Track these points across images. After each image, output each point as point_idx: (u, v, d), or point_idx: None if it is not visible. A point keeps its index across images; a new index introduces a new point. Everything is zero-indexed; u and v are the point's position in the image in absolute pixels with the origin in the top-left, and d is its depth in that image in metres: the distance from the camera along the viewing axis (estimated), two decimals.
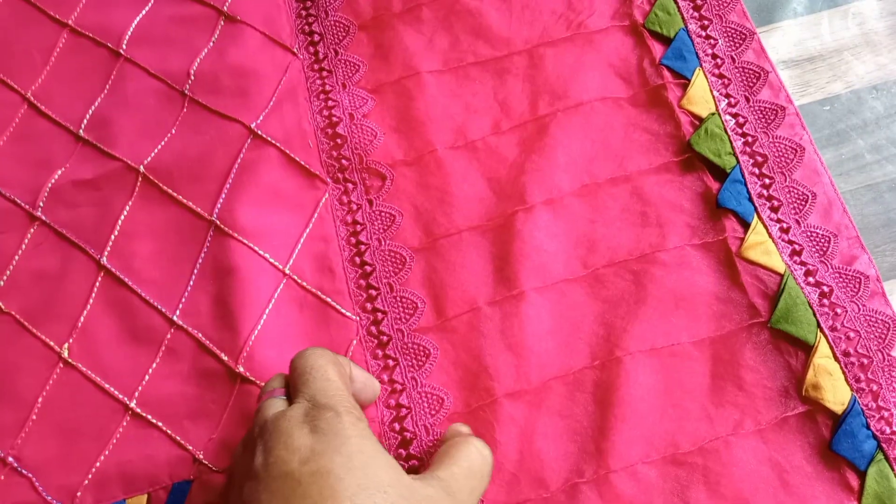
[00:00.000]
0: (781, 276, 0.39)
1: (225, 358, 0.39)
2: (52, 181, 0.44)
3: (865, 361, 0.37)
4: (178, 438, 0.39)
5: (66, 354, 0.41)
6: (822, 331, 0.38)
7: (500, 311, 0.40)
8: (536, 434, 0.38)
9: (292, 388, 0.33)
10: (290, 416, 0.30)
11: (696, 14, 0.46)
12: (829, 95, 0.45)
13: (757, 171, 0.42)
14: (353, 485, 0.28)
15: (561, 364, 0.39)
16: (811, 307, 0.38)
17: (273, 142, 0.44)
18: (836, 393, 0.36)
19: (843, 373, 0.37)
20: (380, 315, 0.41)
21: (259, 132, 0.44)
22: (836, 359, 0.37)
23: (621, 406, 0.38)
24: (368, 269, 0.42)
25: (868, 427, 0.36)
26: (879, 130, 0.44)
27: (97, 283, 0.42)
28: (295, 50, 0.47)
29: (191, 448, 0.38)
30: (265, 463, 0.29)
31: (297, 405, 0.31)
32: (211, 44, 0.47)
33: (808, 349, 0.38)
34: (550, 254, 0.41)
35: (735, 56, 0.45)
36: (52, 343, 0.41)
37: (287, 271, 0.41)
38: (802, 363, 0.38)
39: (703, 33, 0.46)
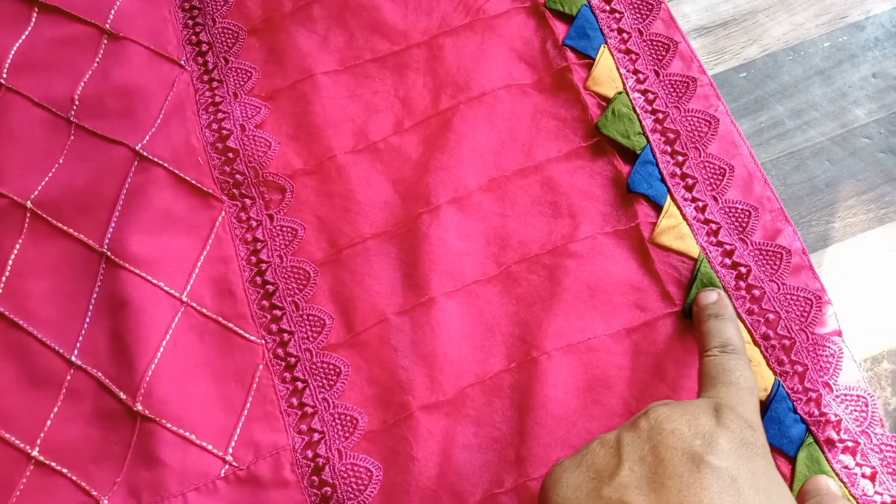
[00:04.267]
0: (696, 260, 0.37)
1: (123, 396, 0.37)
2: None
3: (787, 343, 0.35)
4: (83, 484, 0.37)
5: None
6: (739, 317, 0.36)
7: (411, 320, 0.38)
8: (455, 446, 0.36)
9: (702, 382, 0.31)
10: (697, 402, 0.28)
11: None
12: (744, 61, 0.43)
13: (669, 148, 0.40)
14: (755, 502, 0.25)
15: (477, 370, 0.37)
16: (727, 292, 0.36)
17: (160, 162, 0.41)
18: (762, 378, 0.35)
19: (765, 357, 0.35)
20: (286, 336, 0.39)
21: (144, 153, 0.41)
22: (755, 343, 0.35)
23: (540, 409, 0.36)
24: (271, 288, 0.40)
25: (795, 411, 0.34)
26: (799, 94, 0.42)
27: None
28: (182, 62, 0.45)
29: (96, 494, 0.37)
30: (660, 426, 0.27)
31: (704, 399, 0.29)
32: (95, 65, 0.45)
33: None
34: (460, 255, 0.39)
35: (643, 29, 0.43)
36: None
37: (184, 298, 0.39)
38: None
39: (608, 7, 0.44)
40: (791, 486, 0.33)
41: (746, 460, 0.26)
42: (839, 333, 0.36)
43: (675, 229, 0.38)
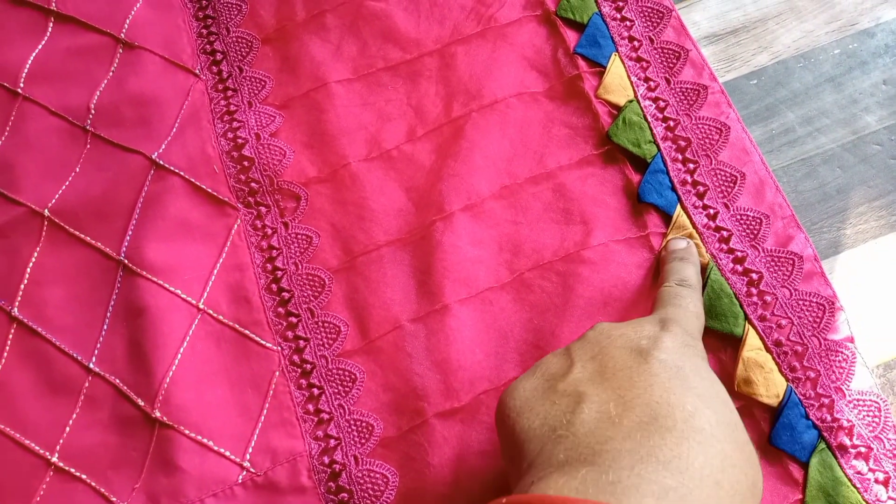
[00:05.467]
0: (705, 268, 0.37)
1: (141, 403, 0.38)
2: None
3: (800, 349, 0.35)
4: (102, 490, 0.37)
5: None
6: (750, 322, 0.36)
7: (425, 327, 0.38)
8: (470, 452, 0.36)
9: (653, 307, 0.33)
10: (642, 318, 0.31)
11: None
12: (755, 69, 0.43)
13: (680, 156, 0.40)
14: (701, 389, 0.26)
15: (491, 376, 0.38)
16: (738, 298, 0.37)
17: (176, 171, 0.42)
18: (769, 386, 0.35)
19: (777, 363, 0.35)
20: (302, 343, 0.39)
21: (161, 162, 0.42)
22: (767, 350, 0.36)
23: None
24: (286, 295, 0.40)
25: (807, 417, 0.34)
26: (809, 101, 0.43)
27: (10, 336, 0.41)
28: (197, 71, 0.45)
29: (115, 500, 0.37)
30: (608, 332, 0.29)
31: (650, 316, 0.31)
32: (110, 74, 0.45)
33: (736, 343, 0.36)
34: (474, 262, 0.40)
35: (653, 37, 0.43)
36: None
37: (201, 306, 0.40)
38: (732, 357, 0.36)
39: (619, 16, 0.44)
40: (804, 493, 0.34)
41: (689, 357, 0.28)
42: (851, 339, 0.36)
43: None
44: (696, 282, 0.35)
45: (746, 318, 0.36)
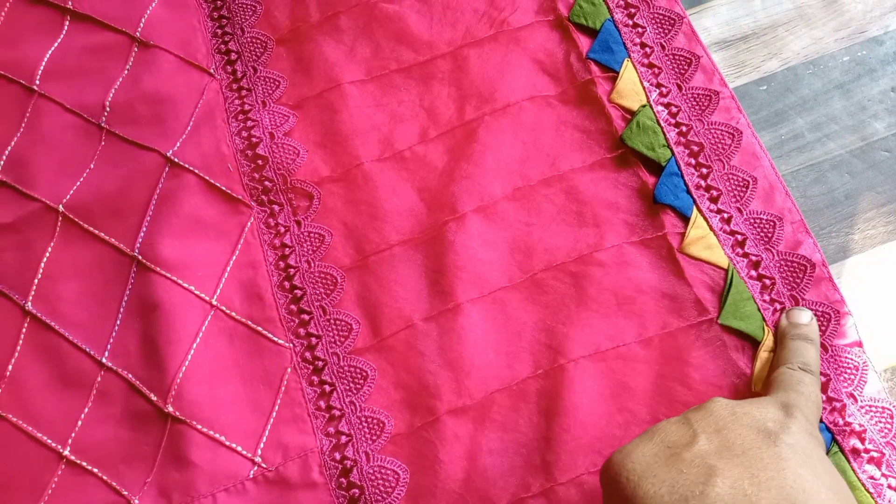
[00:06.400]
0: (725, 270, 0.38)
1: (154, 398, 0.38)
2: None
3: None
4: (113, 484, 0.38)
5: None
6: (767, 324, 0.37)
7: (437, 326, 0.39)
8: (481, 450, 0.37)
9: (772, 388, 0.33)
10: (763, 398, 0.30)
11: (621, 3, 0.45)
12: (765, 74, 0.44)
13: (693, 161, 0.41)
14: (829, 481, 0.27)
15: (503, 375, 0.38)
16: (755, 301, 0.37)
17: (191, 168, 0.42)
18: None
19: None
20: (314, 340, 0.39)
21: (176, 160, 0.42)
22: None
23: (566, 415, 0.36)
24: (299, 293, 0.40)
25: (820, 420, 0.35)
26: (818, 107, 0.43)
27: (24, 330, 0.41)
28: (212, 70, 0.45)
29: (127, 493, 0.37)
30: (731, 408, 0.29)
31: (770, 397, 0.31)
32: (125, 72, 0.45)
33: (755, 344, 0.36)
34: (486, 262, 0.40)
35: (665, 43, 0.44)
36: None
37: (214, 302, 0.40)
38: (750, 358, 0.37)
39: (630, 22, 0.44)
40: None
41: (815, 448, 0.28)
42: (860, 344, 0.36)
43: (704, 240, 0.39)
44: (816, 366, 0.34)
45: (763, 320, 0.37)
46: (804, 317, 0.36)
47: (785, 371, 0.33)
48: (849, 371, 0.35)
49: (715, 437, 0.28)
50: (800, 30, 0.45)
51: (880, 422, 0.35)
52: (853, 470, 0.34)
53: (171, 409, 0.38)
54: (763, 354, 0.36)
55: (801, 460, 0.27)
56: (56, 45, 0.47)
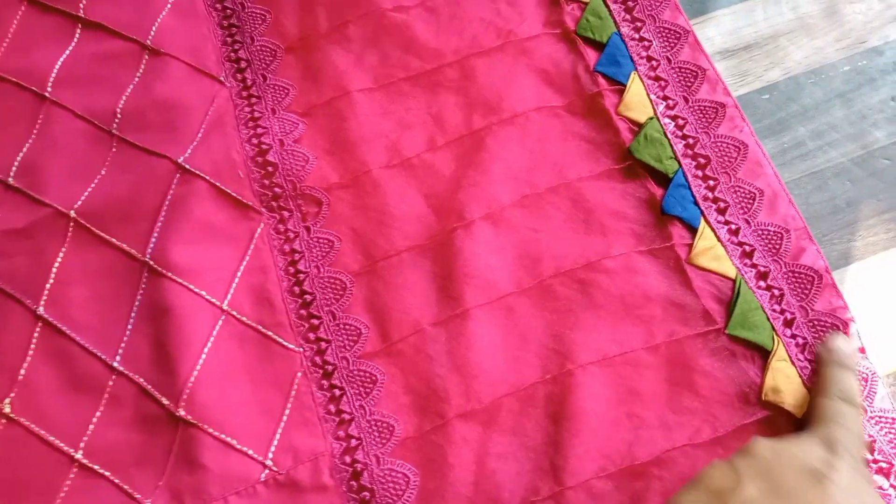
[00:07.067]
0: (733, 280, 0.39)
1: (166, 402, 0.39)
2: None
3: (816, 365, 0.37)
4: (126, 488, 0.38)
5: (8, 410, 0.40)
6: (777, 334, 0.37)
7: (446, 331, 0.39)
8: (490, 454, 0.37)
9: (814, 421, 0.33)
10: (805, 437, 0.31)
11: (628, 17, 0.46)
12: (767, 84, 0.45)
13: (700, 173, 0.41)
14: None
15: (512, 380, 0.38)
16: (765, 311, 0.38)
17: (202, 175, 0.43)
18: (795, 396, 0.36)
19: (800, 377, 0.36)
20: (323, 344, 0.40)
21: (187, 166, 0.43)
22: (791, 363, 0.37)
23: (574, 420, 0.37)
24: (308, 298, 0.41)
25: None
26: (820, 116, 0.44)
27: (36, 334, 0.41)
28: (222, 78, 0.46)
29: (139, 497, 0.38)
30: (773, 450, 0.29)
31: (813, 435, 0.31)
32: (136, 79, 0.46)
33: (765, 353, 0.37)
34: (494, 268, 0.41)
35: (671, 56, 0.44)
36: None
37: (225, 307, 0.40)
38: (759, 367, 0.37)
39: (637, 36, 0.45)
40: None
41: (864, 487, 0.28)
42: (862, 350, 0.37)
43: (711, 251, 0.39)
44: (858, 396, 0.34)
45: (774, 330, 0.37)
46: (843, 343, 0.36)
47: (825, 403, 0.33)
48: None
49: (759, 480, 0.28)
50: (801, 40, 0.45)
51: (890, 432, 0.35)
52: None
53: (182, 412, 0.38)
54: (775, 364, 0.37)
55: (850, 500, 0.27)
56: (68, 52, 0.47)
